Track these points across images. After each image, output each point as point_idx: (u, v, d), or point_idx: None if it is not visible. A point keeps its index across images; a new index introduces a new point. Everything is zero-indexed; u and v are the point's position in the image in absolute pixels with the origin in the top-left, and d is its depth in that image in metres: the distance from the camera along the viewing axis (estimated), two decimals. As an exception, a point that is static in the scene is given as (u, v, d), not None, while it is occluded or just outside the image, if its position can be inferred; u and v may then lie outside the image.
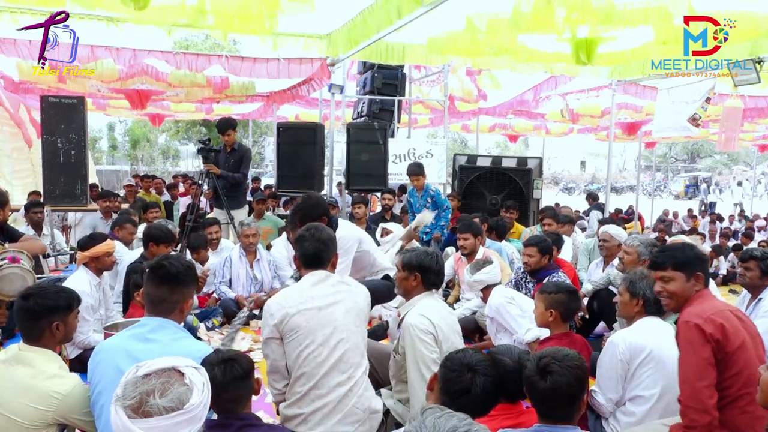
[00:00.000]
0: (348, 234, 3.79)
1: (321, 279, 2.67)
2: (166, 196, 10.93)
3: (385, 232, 5.87)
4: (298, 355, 2.49)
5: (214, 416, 2.17)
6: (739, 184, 37.15)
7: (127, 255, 5.04)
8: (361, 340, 2.66)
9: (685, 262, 2.58)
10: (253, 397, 2.20)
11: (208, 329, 4.98)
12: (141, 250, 5.13)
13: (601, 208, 10.53)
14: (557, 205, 12.14)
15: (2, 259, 3.95)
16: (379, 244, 5.00)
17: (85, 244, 4.05)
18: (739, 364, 2.39)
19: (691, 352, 2.37)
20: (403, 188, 10.42)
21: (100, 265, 4.03)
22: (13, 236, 4.61)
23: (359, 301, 2.71)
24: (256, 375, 2.21)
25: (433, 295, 2.96)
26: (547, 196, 18.87)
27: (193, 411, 1.53)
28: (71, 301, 2.40)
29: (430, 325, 2.71)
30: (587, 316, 4.88)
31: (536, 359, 1.98)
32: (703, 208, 22.21)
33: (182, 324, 2.32)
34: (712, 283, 4.35)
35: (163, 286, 2.24)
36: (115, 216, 6.82)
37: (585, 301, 4.90)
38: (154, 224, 4.83)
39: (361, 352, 2.63)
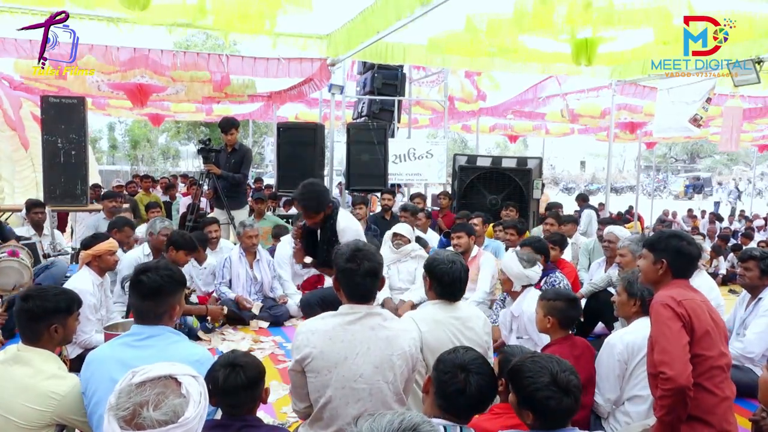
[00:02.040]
0: (354, 226, 3.95)
1: (359, 318, 2.32)
2: (164, 197, 10.94)
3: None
4: (316, 400, 2.32)
5: (218, 415, 2.17)
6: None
7: (126, 256, 5.03)
8: (390, 397, 2.32)
9: (656, 246, 2.67)
10: None
11: (208, 330, 4.98)
12: (139, 249, 5.13)
13: (594, 208, 10.46)
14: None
15: (2, 253, 3.97)
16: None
17: (88, 243, 4.07)
18: (703, 349, 2.48)
19: (665, 327, 2.45)
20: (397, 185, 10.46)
21: (102, 264, 4.03)
22: (5, 237, 4.60)
23: (395, 352, 2.32)
24: (267, 383, 2.19)
25: (447, 306, 2.81)
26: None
27: (188, 424, 1.46)
28: (71, 303, 2.39)
29: (416, 331, 2.63)
30: (582, 319, 4.87)
31: (550, 374, 1.87)
32: (733, 212, 20.36)
33: (176, 321, 2.29)
34: (707, 280, 4.38)
35: (146, 300, 2.20)
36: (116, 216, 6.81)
37: (583, 302, 4.91)
38: (177, 230, 4.83)
39: (387, 410, 2.31)
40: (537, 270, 3.98)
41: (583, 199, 11.58)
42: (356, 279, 2.34)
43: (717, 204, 27.11)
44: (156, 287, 2.20)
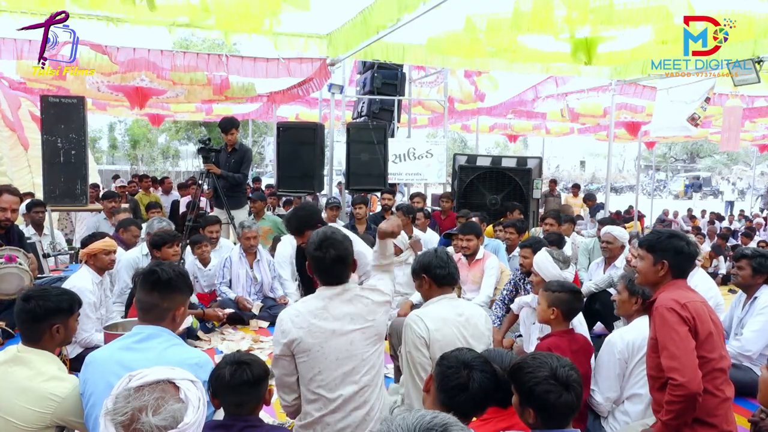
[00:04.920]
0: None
1: (337, 293, 2.51)
2: (175, 195, 10.93)
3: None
4: (311, 380, 2.40)
5: (220, 416, 2.17)
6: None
7: (125, 255, 5.04)
8: (378, 361, 2.55)
9: (656, 246, 2.63)
10: None
11: (207, 330, 4.98)
12: (138, 248, 5.14)
13: (602, 207, 10.51)
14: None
15: (-1, 259, 3.94)
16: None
17: (86, 241, 4.11)
18: (706, 351, 2.47)
19: (672, 332, 2.43)
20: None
21: (98, 263, 4.04)
22: (25, 246, 4.52)
23: (378, 318, 2.55)
24: (270, 385, 2.20)
25: (450, 298, 2.86)
26: (547, 196, 18.78)
27: (188, 430, 1.43)
28: (72, 303, 2.39)
29: (424, 329, 2.67)
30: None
31: (550, 369, 1.89)
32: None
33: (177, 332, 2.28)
34: (705, 279, 4.38)
35: (154, 292, 2.21)
36: (115, 216, 6.82)
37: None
38: (153, 233, 4.83)
39: (377, 373, 2.53)
40: (572, 271, 3.85)
41: (592, 200, 11.58)
42: (324, 266, 2.52)
43: (730, 204, 26.57)
44: (167, 279, 2.22)
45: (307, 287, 4.26)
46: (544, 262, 3.77)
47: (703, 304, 2.58)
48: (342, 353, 2.40)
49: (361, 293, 2.56)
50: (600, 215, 9.56)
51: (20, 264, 3.94)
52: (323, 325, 2.41)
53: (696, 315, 2.47)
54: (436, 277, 2.86)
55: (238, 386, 2.06)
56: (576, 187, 14.30)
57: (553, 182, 13.30)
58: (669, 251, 2.60)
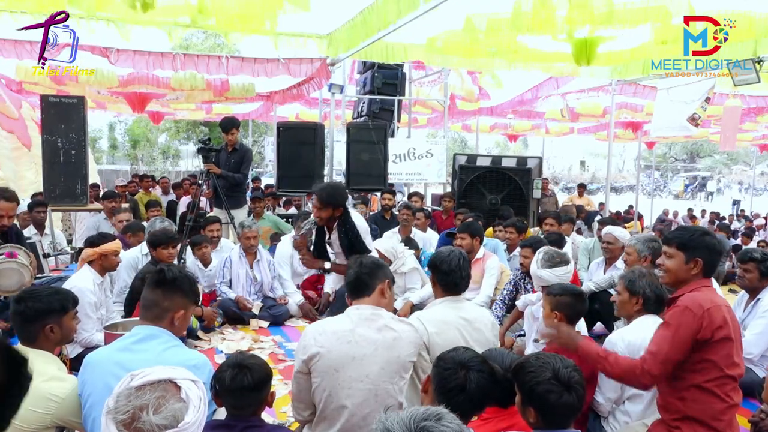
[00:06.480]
0: (364, 225, 4.42)
1: (367, 318, 2.40)
2: (171, 196, 10.93)
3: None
4: (322, 399, 2.35)
5: (222, 415, 2.18)
6: None
7: (125, 255, 5.04)
8: (395, 398, 2.38)
9: (689, 244, 2.52)
10: None
11: (207, 330, 4.98)
12: (138, 248, 5.14)
13: (598, 213, 10.43)
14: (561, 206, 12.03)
15: (-1, 254, 3.93)
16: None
17: (96, 241, 4.07)
18: (718, 354, 2.42)
19: (675, 331, 2.42)
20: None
21: (106, 264, 4.04)
22: (23, 244, 4.52)
23: (402, 353, 2.39)
24: (273, 387, 2.21)
25: (455, 301, 2.83)
26: (547, 196, 18.74)
27: (188, 429, 1.44)
28: (65, 302, 2.37)
29: (423, 332, 2.65)
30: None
31: (552, 369, 1.89)
32: None
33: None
34: (714, 281, 4.36)
35: (157, 289, 2.20)
36: (115, 216, 6.82)
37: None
38: (151, 231, 4.85)
39: (392, 410, 2.39)
40: (560, 272, 3.69)
41: (583, 213, 11.37)
42: (348, 271, 2.55)
43: (737, 202, 26.38)
44: (172, 278, 2.21)
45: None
46: (532, 265, 3.81)
47: (727, 308, 2.51)
48: (355, 382, 2.31)
49: (391, 324, 2.43)
50: (599, 216, 9.53)
51: (20, 260, 3.94)
52: (344, 349, 2.32)
53: (710, 321, 2.41)
54: (439, 280, 2.85)
55: (238, 390, 2.06)
56: (582, 187, 14.11)
57: (545, 181, 13.09)
58: (702, 249, 2.49)
